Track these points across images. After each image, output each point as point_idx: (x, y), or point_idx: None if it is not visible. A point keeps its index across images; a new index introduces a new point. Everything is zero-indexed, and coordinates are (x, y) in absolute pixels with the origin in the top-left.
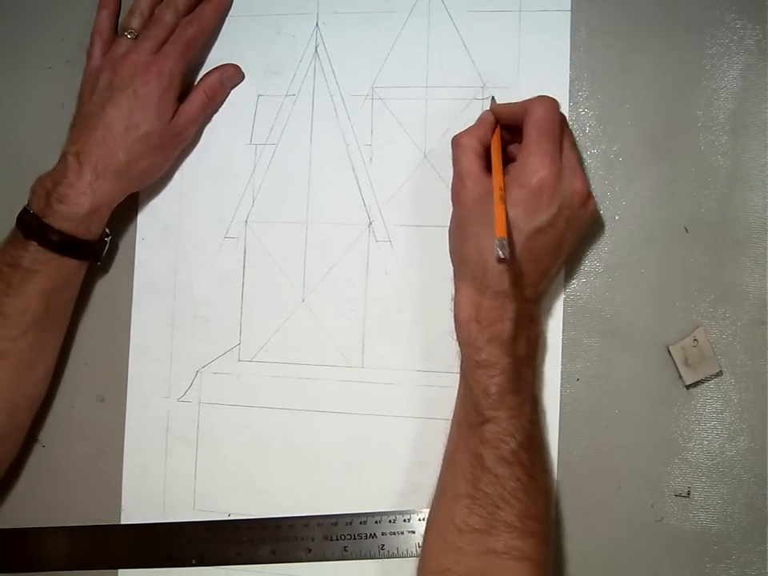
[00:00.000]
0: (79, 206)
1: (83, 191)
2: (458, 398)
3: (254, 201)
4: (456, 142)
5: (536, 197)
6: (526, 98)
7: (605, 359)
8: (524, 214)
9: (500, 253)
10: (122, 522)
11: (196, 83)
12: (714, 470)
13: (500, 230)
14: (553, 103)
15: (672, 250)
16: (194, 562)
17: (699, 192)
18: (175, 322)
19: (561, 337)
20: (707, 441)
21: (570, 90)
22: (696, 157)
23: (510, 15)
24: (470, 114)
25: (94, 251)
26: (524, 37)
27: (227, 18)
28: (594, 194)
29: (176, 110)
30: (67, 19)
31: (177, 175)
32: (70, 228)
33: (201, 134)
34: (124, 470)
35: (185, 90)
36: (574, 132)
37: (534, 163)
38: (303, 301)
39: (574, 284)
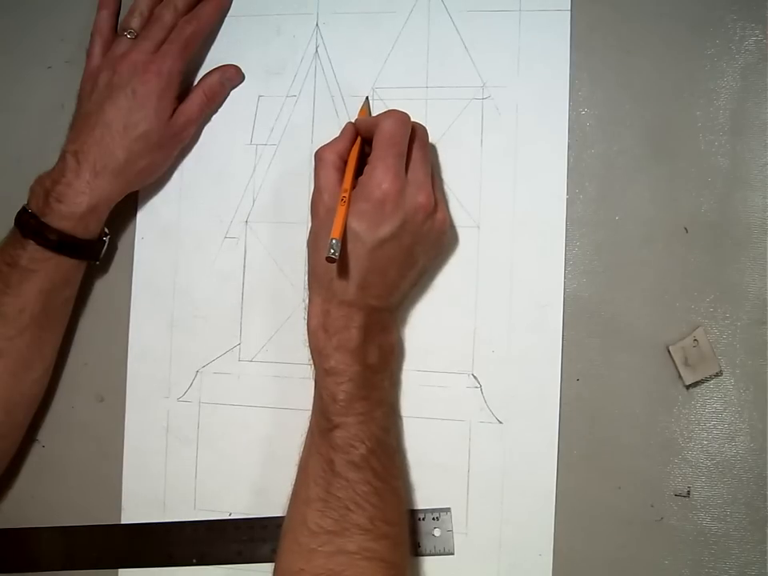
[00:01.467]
0: (77, 204)
1: (82, 190)
2: (312, 406)
3: (254, 201)
4: (317, 155)
5: (378, 209)
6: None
7: (605, 359)
8: (367, 226)
9: (330, 252)
10: (123, 522)
11: (196, 83)
12: (714, 469)
13: (335, 231)
14: (401, 118)
15: (672, 250)
16: (194, 561)
17: (699, 192)
18: (175, 321)
19: (561, 337)
20: (707, 441)
21: (570, 90)
22: (696, 157)
23: (510, 15)
24: (470, 114)
25: (92, 250)
26: (524, 37)
27: (227, 18)
28: (593, 194)
29: (175, 110)
30: (67, 19)
31: (176, 175)
32: (68, 227)
33: (200, 134)
34: (124, 469)
35: (184, 89)
36: (573, 132)
37: (377, 177)
38: (303, 301)
39: (574, 284)
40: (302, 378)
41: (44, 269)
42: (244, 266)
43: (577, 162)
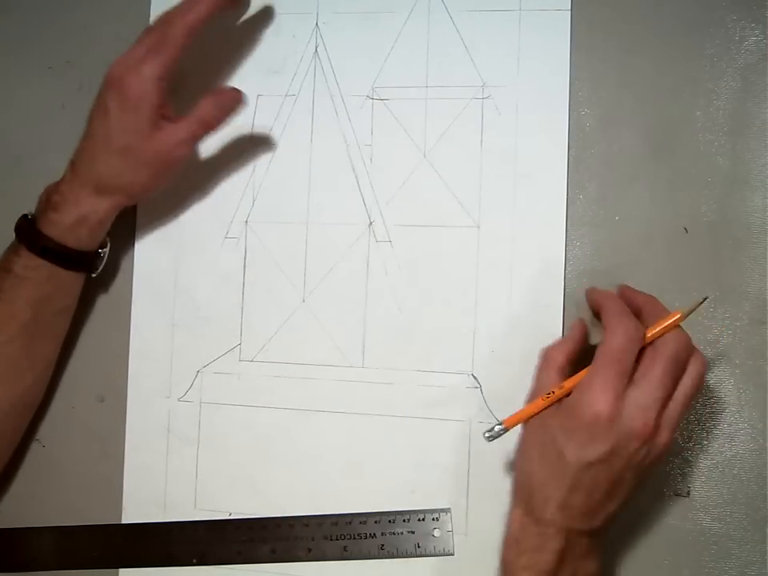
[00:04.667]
0: (67, 214)
1: (72, 201)
2: None
3: (254, 201)
4: (543, 354)
5: (587, 430)
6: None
7: None
8: (574, 445)
9: (487, 434)
10: (123, 522)
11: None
12: (714, 469)
13: (510, 420)
14: (633, 335)
15: (672, 250)
16: (194, 561)
17: (699, 192)
18: (175, 322)
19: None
20: (707, 441)
21: (570, 90)
22: (696, 157)
23: (510, 15)
24: (470, 114)
25: (84, 262)
26: (524, 36)
27: (227, 19)
28: (593, 194)
29: (160, 126)
30: (67, 19)
31: None
32: (57, 235)
33: None
34: (125, 469)
35: (182, 94)
36: (573, 132)
37: (591, 395)
38: (304, 301)
39: (574, 284)
40: (301, 378)
41: (35, 277)
42: (244, 266)
43: (577, 162)
